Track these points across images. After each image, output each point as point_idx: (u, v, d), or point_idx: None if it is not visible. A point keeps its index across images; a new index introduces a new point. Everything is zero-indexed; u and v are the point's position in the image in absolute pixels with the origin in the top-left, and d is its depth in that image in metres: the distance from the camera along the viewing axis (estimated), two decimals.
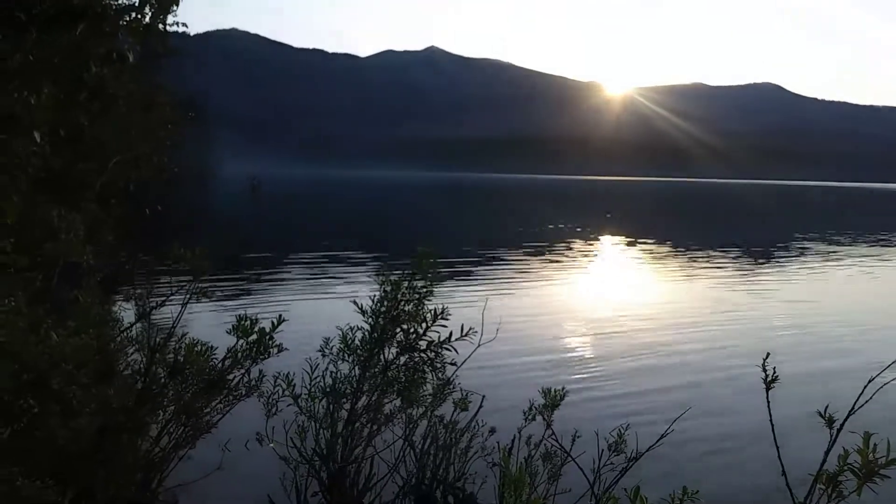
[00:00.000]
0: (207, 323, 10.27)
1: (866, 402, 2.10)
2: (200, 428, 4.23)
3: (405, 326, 4.45)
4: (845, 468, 1.91)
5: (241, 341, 4.08)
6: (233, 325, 4.06)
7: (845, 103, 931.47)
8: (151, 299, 4.30)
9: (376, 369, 4.50)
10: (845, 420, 2.07)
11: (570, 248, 26.16)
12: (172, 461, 4.33)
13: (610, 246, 28.46)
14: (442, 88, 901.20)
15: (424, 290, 4.47)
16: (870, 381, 2.14)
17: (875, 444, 1.88)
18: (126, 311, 5.00)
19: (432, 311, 4.40)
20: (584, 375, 9.09)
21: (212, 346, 4.12)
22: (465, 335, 4.32)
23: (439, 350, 4.41)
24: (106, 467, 3.58)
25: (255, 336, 4.08)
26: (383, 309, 4.43)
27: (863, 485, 1.88)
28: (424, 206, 63.36)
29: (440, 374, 4.55)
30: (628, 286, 18.01)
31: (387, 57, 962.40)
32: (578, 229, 35.46)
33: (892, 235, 36.11)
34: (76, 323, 3.62)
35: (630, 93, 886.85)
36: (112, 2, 3.81)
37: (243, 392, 4.26)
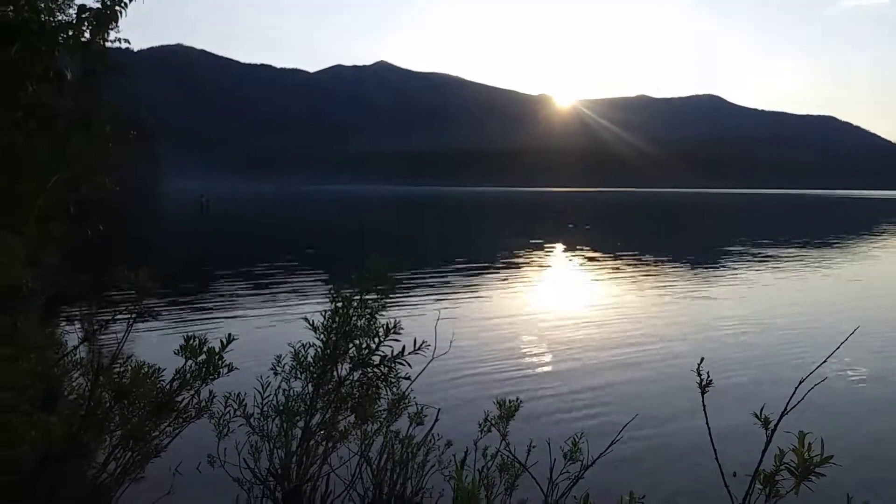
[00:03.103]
0: (154, 344, 10.04)
1: (798, 402, 2.18)
2: (149, 452, 4.12)
3: (358, 342, 4.42)
4: (782, 467, 1.97)
5: (189, 361, 4.00)
6: (180, 346, 3.98)
7: (783, 113, 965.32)
8: (95, 321, 4.19)
9: (330, 386, 4.46)
10: (779, 420, 2.14)
11: (520, 260, 26.41)
12: (120, 488, 4.21)
13: (558, 257, 28.82)
14: (392, 103, 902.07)
15: (376, 304, 4.45)
16: (801, 382, 2.22)
17: (810, 444, 1.95)
18: (69, 335, 4.87)
19: (385, 326, 4.38)
20: (538, 385, 9.17)
21: (159, 368, 4.02)
22: (419, 349, 4.31)
23: (393, 365, 4.39)
24: (50, 496, 3.46)
25: (203, 356, 4.00)
26: (335, 325, 4.40)
27: (799, 483, 1.94)
28: (376, 221, 63.15)
29: (394, 389, 4.54)
30: (577, 297, 18.26)
31: (336, 72, 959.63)
32: (528, 241, 35.83)
33: (823, 240, 37.48)
34: (15, 348, 3.51)
35: (577, 105, 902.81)
36: (49, 19, 3.73)
37: (193, 413, 4.17)
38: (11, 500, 3.21)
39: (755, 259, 26.45)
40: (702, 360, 2.26)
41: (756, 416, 2.13)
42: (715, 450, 2.28)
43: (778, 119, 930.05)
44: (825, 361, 2.45)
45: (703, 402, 2.22)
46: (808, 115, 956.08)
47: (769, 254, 28.56)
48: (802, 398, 2.15)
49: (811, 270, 23.20)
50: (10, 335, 3.56)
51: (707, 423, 2.28)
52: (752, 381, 9.34)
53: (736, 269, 23.50)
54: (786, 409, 2.15)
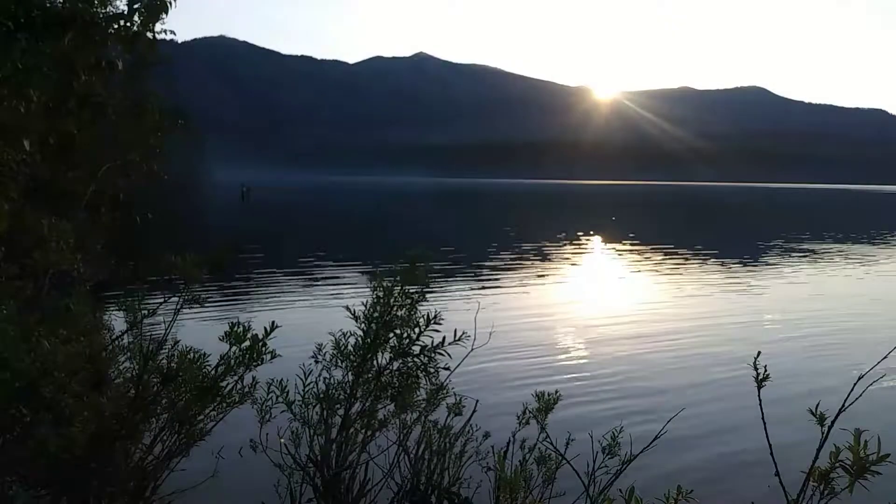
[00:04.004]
0: (200, 330, 10.23)
1: (856, 399, 2.12)
2: (194, 435, 4.21)
3: (398, 331, 4.44)
4: (837, 465, 1.93)
5: (233, 348, 4.06)
6: (225, 332, 4.04)
7: (831, 105, 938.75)
8: (143, 307, 4.28)
9: (370, 375, 4.49)
10: (836, 418, 2.09)
11: (561, 253, 26.22)
12: (166, 469, 4.31)
13: (600, 250, 28.54)
14: (431, 94, 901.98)
15: (417, 294, 4.46)
16: (859, 379, 2.16)
17: (866, 441, 1.90)
18: (117, 319, 4.98)
19: (425, 316, 4.39)
20: (578, 378, 9.10)
21: (204, 353, 4.10)
22: (458, 340, 4.32)
23: (432, 355, 4.40)
24: (99, 476, 3.56)
25: (247, 342, 4.06)
26: (376, 314, 4.42)
27: (854, 482, 1.90)
28: (415, 212, 63.35)
29: (434, 379, 4.55)
30: (619, 290, 18.07)
31: (376, 63, 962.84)
32: (568, 234, 35.54)
33: (879, 237, 36.42)
34: (67, 331, 3.61)
35: (618, 97, 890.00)
36: (100, 10, 3.81)
37: (237, 399, 4.24)
38: (65, 478, 3.31)
39: (807, 254, 25.82)
40: (758, 353, 2.21)
41: (811, 412, 2.08)
42: (770, 445, 2.24)
43: (826, 112, 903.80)
44: (885, 358, 2.37)
45: (759, 396, 2.17)
46: (857, 108, 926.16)
47: (822, 249, 27.86)
48: (860, 395, 2.09)
49: (867, 267, 22.55)
50: (63, 318, 3.67)
51: (763, 417, 2.23)
52: (805, 376, 9.12)
53: (787, 264, 22.97)
54: (843, 406, 2.09)
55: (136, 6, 3.45)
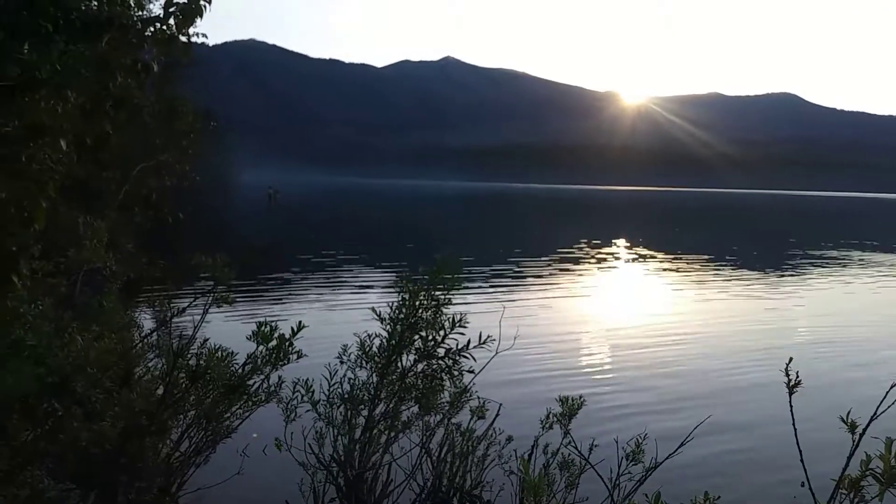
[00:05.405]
0: (227, 329, 10.32)
1: (888, 407, 2.09)
2: (220, 433, 4.27)
3: (423, 334, 4.45)
4: (867, 473, 1.91)
5: (260, 347, 4.11)
6: (253, 331, 4.10)
7: (863, 113, 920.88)
8: (172, 305, 4.35)
9: (394, 376, 4.51)
10: (867, 425, 2.06)
11: (586, 259, 26.05)
12: (193, 465, 4.37)
13: (627, 256, 28.30)
14: (458, 98, 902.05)
15: (443, 297, 4.47)
16: (892, 387, 2.13)
17: None
18: (146, 317, 5.07)
19: (450, 319, 4.40)
20: (603, 383, 9.04)
21: (232, 352, 4.15)
22: (483, 343, 4.32)
23: (457, 358, 4.41)
24: (128, 470, 3.62)
25: (274, 342, 4.11)
26: (402, 316, 4.44)
27: (885, 490, 1.88)
28: (442, 216, 63.40)
29: (457, 382, 4.56)
30: (646, 296, 17.90)
31: (403, 67, 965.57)
32: (595, 240, 35.29)
33: None
34: (99, 328, 3.68)
35: (646, 102, 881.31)
36: (137, 13, 3.88)
37: (263, 398, 4.30)
38: (93, 471, 3.37)
39: (843, 263, 25.34)
40: (790, 359, 2.18)
41: (843, 419, 2.05)
42: (801, 451, 2.21)
43: (859, 119, 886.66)
44: None
45: (790, 402, 2.14)
46: (891, 116, 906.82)
47: (854, 257, 27.35)
48: (893, 404, 2.06)
49: None
50: (96, 315, 3.74)
51: (794, 424, 2.20)
52: (836, 384, 8.96)
53: (820, 272, 22.58)
54: (875, 413, 2.07)
55: (171, 10, 3.51)
